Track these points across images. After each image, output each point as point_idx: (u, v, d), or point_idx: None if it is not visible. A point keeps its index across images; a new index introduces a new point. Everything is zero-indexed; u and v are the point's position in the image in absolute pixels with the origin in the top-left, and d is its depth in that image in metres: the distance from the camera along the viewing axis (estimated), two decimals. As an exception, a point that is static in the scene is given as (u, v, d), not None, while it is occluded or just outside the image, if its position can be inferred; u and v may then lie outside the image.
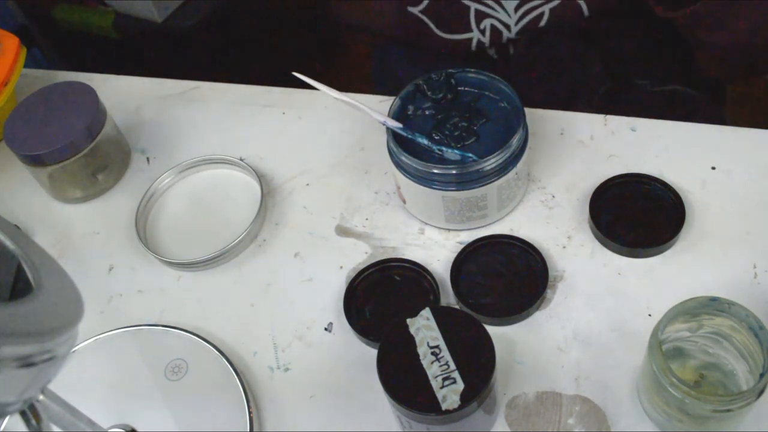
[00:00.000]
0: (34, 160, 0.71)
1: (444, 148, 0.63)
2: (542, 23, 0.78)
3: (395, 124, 0.63)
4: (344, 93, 0.65)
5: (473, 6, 0.77)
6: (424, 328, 0.51)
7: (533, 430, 0.56)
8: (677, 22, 0.71)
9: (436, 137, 0.64)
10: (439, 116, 0.65)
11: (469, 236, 0.66)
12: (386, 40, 0.88)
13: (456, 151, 0.63)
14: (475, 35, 0.80)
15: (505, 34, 0.79)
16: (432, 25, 0.80)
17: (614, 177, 0.67)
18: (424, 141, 0.63)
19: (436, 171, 0.61)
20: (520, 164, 0.63)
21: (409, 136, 0.63)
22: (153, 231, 0.72)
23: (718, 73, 0.83)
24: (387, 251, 0.67)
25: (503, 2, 0.76)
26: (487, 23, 0.79)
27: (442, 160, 0.63)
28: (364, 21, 0.86)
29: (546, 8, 0.76)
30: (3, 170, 0.80)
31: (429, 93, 0.66)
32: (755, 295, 0.60)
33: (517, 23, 0.78)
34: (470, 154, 0.62)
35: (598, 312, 0.61)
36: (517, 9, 0.77)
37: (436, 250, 0.67)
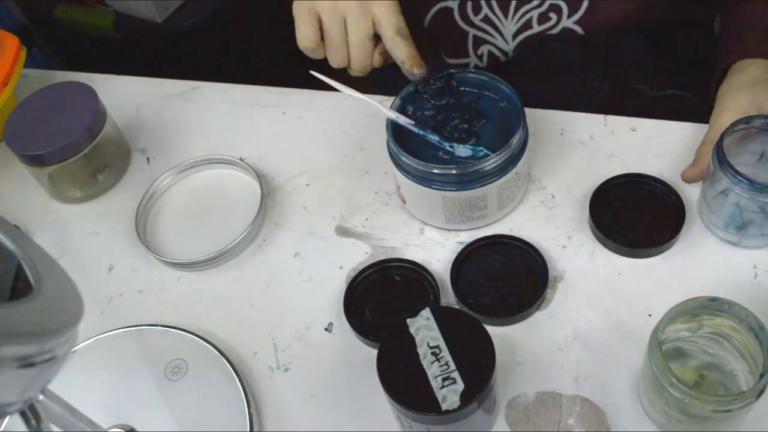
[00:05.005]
0: (34, 160, 0.71)
1: (455, 144, 0.63)
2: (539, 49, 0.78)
3: (408, 121, 0.64)
4: (358, 92, 0.65)
5: (471, 32, 0.77)
6: (424, 328, 0.51)
7: (533, 430, 0.56)
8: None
9: (446, 134, 0.64)
10: (440, 117, 0.65)
11: (469, 236, 0.66)
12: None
13: (467, 146, 0.62)
14: (472, 60, 0.80)
15: (502, 59, 0.79)
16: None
17: (614, 177, 0.67)
18: (435, 137, 0.63)
19: (436, 171, 0.61)
20: (520, 164, 0.63)
21: (421, 133, 0.63)
22: (153, 231, 0.72)
23: None
24: (387, 251, 0.67)
25: (501, 30, 0.76)
26: (484, 49, 0.79)
27: (443, 160, 0.63)
28: None
29: (544, 35, 0.76)
30: (3, 170, 0.80)
31: (432, 100, 0.66)
32: (755, 295, 0.60)
33: (514, 50, 0.78)
34: (481, 147, 0.62)
35: (598, 312, 0.61)
36: (515, 36, 0.77)
37: (436, 250, 0.67)
